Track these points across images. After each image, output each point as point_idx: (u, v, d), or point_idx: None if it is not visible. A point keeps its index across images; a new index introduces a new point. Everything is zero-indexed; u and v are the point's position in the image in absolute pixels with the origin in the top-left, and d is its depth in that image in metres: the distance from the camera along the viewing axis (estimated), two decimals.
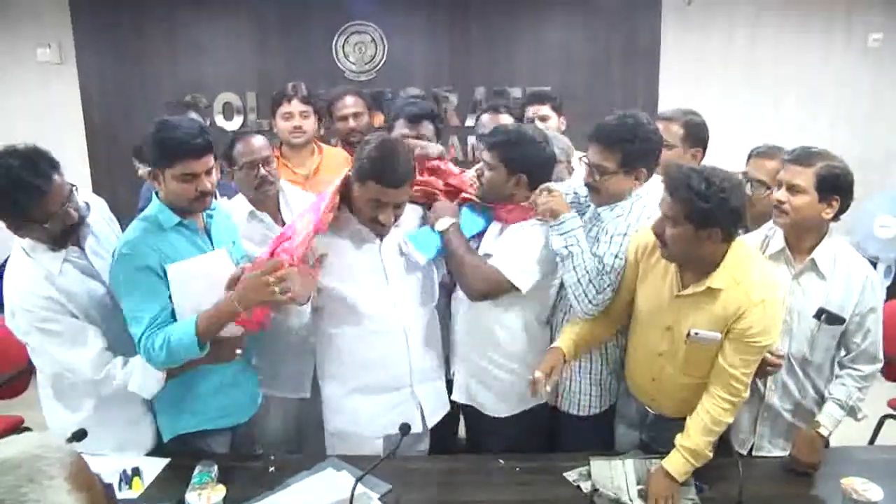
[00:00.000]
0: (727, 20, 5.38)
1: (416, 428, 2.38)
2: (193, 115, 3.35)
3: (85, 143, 5.46)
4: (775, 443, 2.37)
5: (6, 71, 5.45)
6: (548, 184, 2.35)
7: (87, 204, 2.24)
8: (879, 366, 2.30)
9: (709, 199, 1.91)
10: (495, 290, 2.34)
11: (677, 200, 1.97)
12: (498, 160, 2.35)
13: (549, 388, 2.12)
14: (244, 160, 2.56)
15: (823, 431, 2.22)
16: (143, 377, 2.17)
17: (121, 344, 2.22)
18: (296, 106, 3.29)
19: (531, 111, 3.47)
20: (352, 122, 3.46)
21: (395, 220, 2.31)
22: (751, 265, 2.08)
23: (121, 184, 4.72)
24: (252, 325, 2.22)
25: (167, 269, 2.14)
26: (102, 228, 2.33)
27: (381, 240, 2.35)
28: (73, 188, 2.15)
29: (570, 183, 2.58)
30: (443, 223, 2.40)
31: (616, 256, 2.25)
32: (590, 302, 2.24)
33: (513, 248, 2.36)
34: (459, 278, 2.41)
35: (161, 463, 2.26)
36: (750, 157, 2.63)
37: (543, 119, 3.39)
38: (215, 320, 2.10)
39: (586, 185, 2.38)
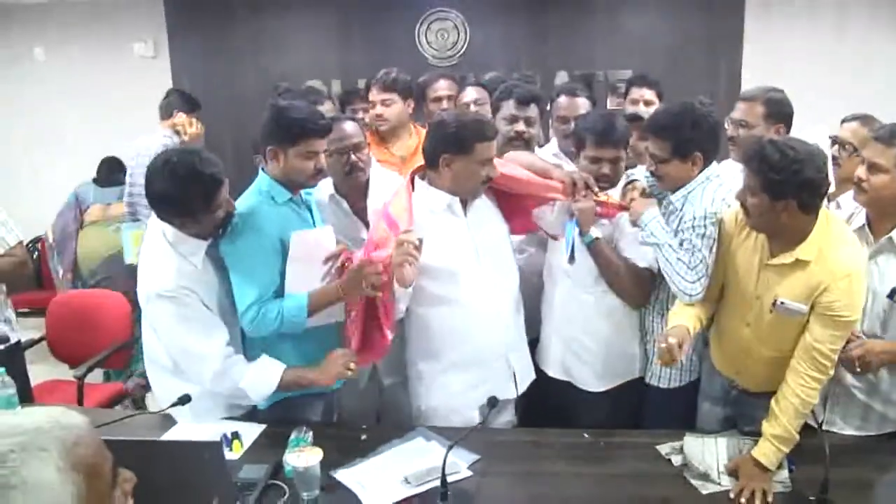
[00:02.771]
0: (811, 8, 5.23)
1: (511, 394, 2.48)
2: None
3: (177, 135, 5.67)
4: (849, 422, 2.32)
5: (105, 64, 5.75)
6: (632, 177, 2.42)
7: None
8: None
9: (781, 170, 1.93)
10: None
11: (753, 171, 2.01)
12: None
13: (682, 358, 2.13)
14: (333, 147, 2.58)
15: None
16: (257, 377, 2.28)
17: (236, 341, 2.35)
18: (376, 95, 3.35)
19: (636, 93, 3.48)
20: (445, 104, 3.52)
21: None
22: (839, 239, 2.06)
23: None
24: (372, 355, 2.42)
25: (291, 235, 2.28)
26: None
27: (467, 214, 2.40)
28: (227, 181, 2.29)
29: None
30: (596, 231, 2.41)
31: (699, 249, 2.25)
32: (685, 293, 2.27)
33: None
34: (619, 288, 2.46)
35: (258, 429, 2.36)
36: (843, 122, 2.64)
37: (648, 104, 3.37)
38: (323, 302, 2.29)
39: (651, 174, 2.44)
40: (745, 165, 2.04)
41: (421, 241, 2.24)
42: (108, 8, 5.62)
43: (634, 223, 2.39)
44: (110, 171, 4.69)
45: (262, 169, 2.37)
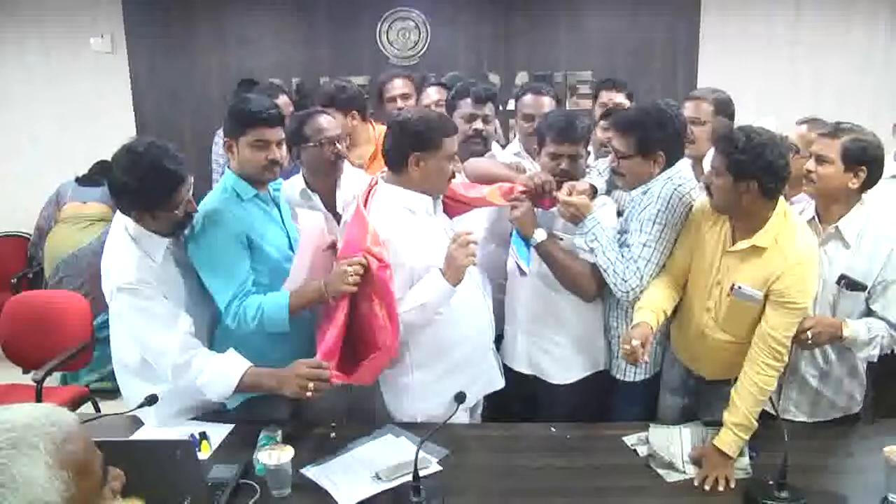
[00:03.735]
0: (767, 6, 5.35)
1: (499, 384, 2.54)
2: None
3: (135, 130, 5.57)
4: (801, 408, 2.42)
5: (61, 60, 5.61)
6: (573, 182, 2.45)
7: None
8: None
9: (745, 151, 2.07)
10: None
11: (720, 152, 2.14)
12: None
13: (646, 358, 2.19)
14: (322, 136, 2.61)
15: (845, 332, 2.20)
16: (215, 377, 2.22)
17: (209, 330, 2.36)
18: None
19: (606, 97, 3.51)
20: (400, 103, 3.54)
21: None
22: (794, 229, 2.17)
23: None
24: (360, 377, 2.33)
25: (297, 212, 2.33)
26: None
27: (436, 212, 2.41)
28: (192, 179, 2.26)
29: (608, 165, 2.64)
30: (539, 234, 2.43)
31: (645, 245, 2.34)
32: (619, 290, 2.37)
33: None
34: (569, 285, 2.48)
35: (226, 429, 2.35)
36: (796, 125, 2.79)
37: (618, 107, 3.41)
38: (305, 301, 2.27)
39: (612, 170, 2.50)
40: (715, 148, 2.17)
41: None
42: (64, 1, 5.50)
43: (572, 221, 2.42)
44: (99, 173, 4.60)
45: (228, 167, 2.37)
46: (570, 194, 2.40)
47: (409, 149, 2.26)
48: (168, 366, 2.22)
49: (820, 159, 2.28)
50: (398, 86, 3.62)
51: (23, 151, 5.72)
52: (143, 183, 2.11)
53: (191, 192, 2.22)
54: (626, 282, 2.35)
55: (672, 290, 2.39)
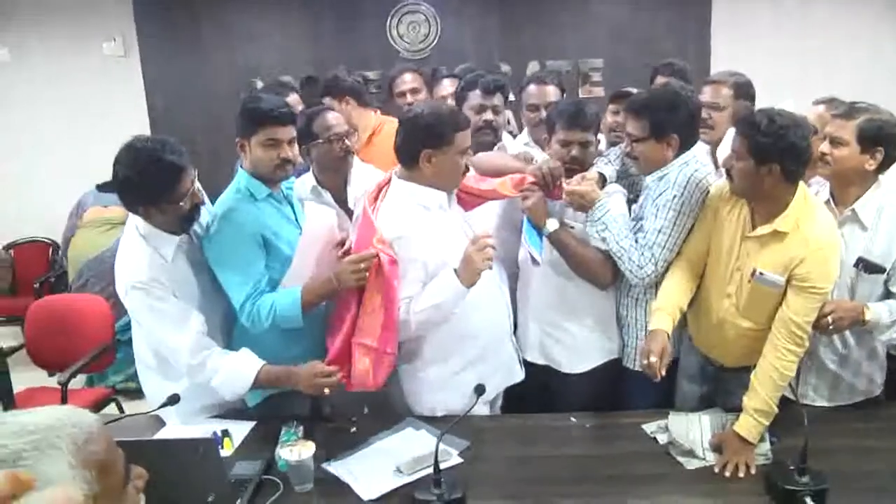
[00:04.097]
0: None
1: (519, 376, 2.55)
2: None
3: (148, 131, 5.63)
4: (821, 393, 2.41)
5: (74, 64, 5.69)
6: (582, 174, 2.44)
7: (200, 189, 2.34)
8: None
9: (768, 134, 2.02)
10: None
11: (741, 135, 2.10)
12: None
13: (664, 372, 2.20)
14: (330, 133, 2.62)
15: (868, 315, 2.19)
16: (230, 377, 2.26)
17: (220, 329, 2.37)
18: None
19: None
20: (409, 98, 3.55)
21: None
22: (814, 213, 2.14)
23: None
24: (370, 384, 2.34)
25: (304, 205, 2.36)
26: (203, 215, 2.43)
27: (451, 206, 2.41)
28: (196, 172, 2.28)
29: (620, 153, 2.64)
30: (552, 224, 2.43)
31: (660, 231, 2.33)
32: (635, 276, 2.37)
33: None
34: (583, 273, 2.49)
35: (248, 426, 2.37)
36: (812, 105, 2.73)
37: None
38: (316, 295, 2.28)
39: (626, 154, 2.48)
40: (737, 131, 2.14)
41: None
42: (76, 6, 5.55)
43: (580, 209, 2.43)
44: None
45: (241, 167, 2.38)
46: (578, 184, 2.40)
47: (421, 145, 2.25)
48: (183, 366, 2.26)
49: (835, 141, 2.24)
50: (407, 80, 3.64)
51: (39, 157, 5.80)
52: (144, 176, 2.13)
53: (195, 184, 2.24)
54: (641, 268, 2.35)
55: (689, 282, 2.37)
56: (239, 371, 2.26)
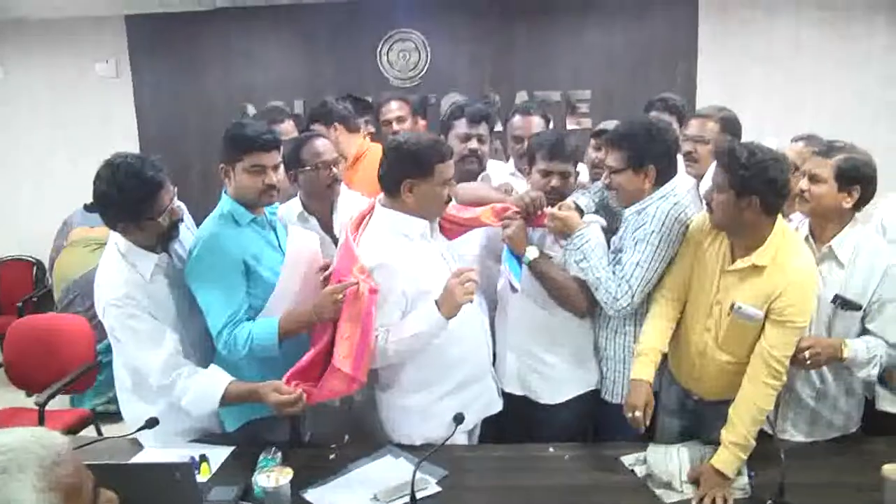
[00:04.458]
0: (766, 21, 5.39)
1: (498, 407, 2.55)
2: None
3: (138, 152, 5.65)
4: (799, 428, 2.41)
5: (67, 83, 5.71)
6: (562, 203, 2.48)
7: (181, 207, 2.36)
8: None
9: (748, 167, 2.06)
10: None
11: (722, 167, 2.13)
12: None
13: (647, 423, 2.25)
14: (318, 160, 2.64)
15: (846, 352, 2.21)
16: (199, 396, 2.26)
17: (197, 349, 2.36)
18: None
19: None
20: (395, 126, 3.57)
21: None
22: (792, 248, 2.18)
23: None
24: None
25: (288, 228, 2.37)
26: (185, 234, 2.45)
27: (433, 236, 2.42)
28: (175, 189, 2.30)
29: (600, 186, 2.66)
30: (531, 252, 2.45)
31: (637, 264, 2.35)
32: (610, 308, 2.39)
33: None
34: (561, 301, 2.50)
35: (227, 451, 2.36)
36: (791, 142, 2.80)
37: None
38: (294, 326, 2.28)
39: (605, 186, 2.51)
40: (718, 163, 2.17)
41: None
42: (69, 27, 5.58)
43: (560, 235, 2.46)
44: None
45: (225, 192, 2.39)
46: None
47: (403, 174, 2.27)
48: (154, 385, 2.26)
49: (813, 178, 2.28)
50: (393, 108, 3.66)
51: (28, 175, 5.80)
52: (123, 191, 2.15)
53: (174, 201, 2.25)
54: (617, 300, 2.36)
55: (670, 321, 2.39)
56: (207, 389, 2.26)
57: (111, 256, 2.31)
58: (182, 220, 2.33)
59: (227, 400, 2.26)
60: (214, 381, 2.27)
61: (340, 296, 2.20)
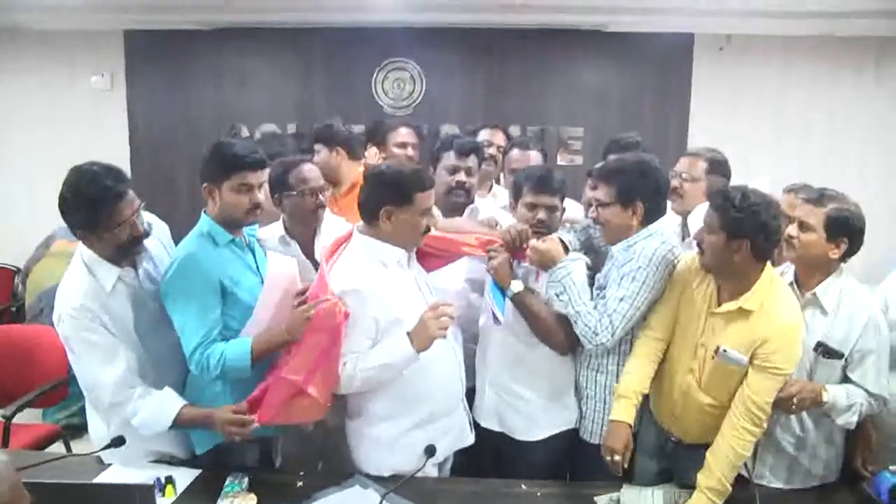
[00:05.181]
0: (758, 65, 5.47)
1: (469, 440, 2.51)
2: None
3: (129, 166, 5.59)
4: (777, 475, 2.39)
5: (61, 97, 5.70)
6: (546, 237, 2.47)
7: (149, 225, 2.33)
8: (880, 403, 2.29)
9: (741, 209, 2.07)
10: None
11: (715, 209, 2.14)
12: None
13: (626, 465, 2.25)
14: (305, 186, 2.64)
15: (825, 396, 2.20)
16: (150, 417, 2.23)
17: (157, 371, 2.32)
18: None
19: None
20: (410, 151, 3.64)
21: None
22: (780, 295, 2.18)
23: (161, 206, 4.87)
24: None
25: (268, 254, 2.37)
26: (160, 253, 2.43)
27: (409, 265, 2.41)
28: (142, 204, 2.27)
29: (585, 224, 2.67)
30: (516, 285, 2.44)
31: (621, 300, 2.33)
32: (590, 342, 2.37)
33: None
34: (543, 337, 2.48)
35: (193, 473, 2.32)
36: (784, 192, 2.78)
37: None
38: (267, 346, 2.25)
39: (593, 220, 2.52)
40: (709, 203, 2.19)
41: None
42: (67, 39, 5.60)
43: (542, 268, 2.45)
44: None
45: (204, 211, 2.37)
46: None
47: (382, 202, 2.27)
48: (105, 401, 2.23)
49: (803, 225, 2.29)
50: (403, 133, 3.73)
51: (20, 185, 5.77)
52: (80, 197, 2.15)
53: (140, 216, 2.23)
54: (596, 335, 2.34)
55: (653, 362, 2.38)
56: (160, 410, 2.23)
57: (75, 266, 2.29)
58: (146, 235, 2.29)
59: (179, 423, 2.24)
60: (167, 403, 2.25)
61: (311, 312, 2.17)
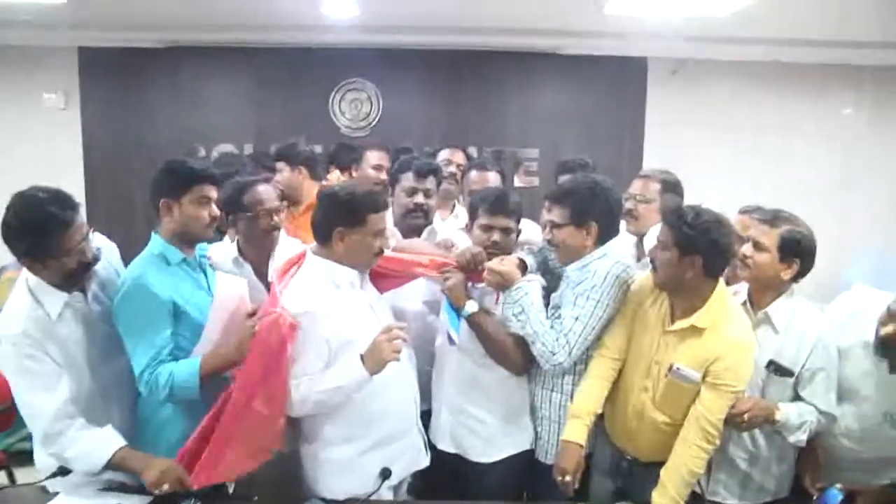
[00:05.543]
0: (709, 89, 5.63)
1: (425, 462, 2.49)
2: None
3: (83, 186, 5.53)
4: (731, 490, 2.43)
5: (12, 115, 5.57)
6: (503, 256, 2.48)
7: (98, 249, 2.28)
8: (830, 420, 2.34)
9: (693, 226, 2.11)
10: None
11: (667, 225, 2.18)
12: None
13: (577, 486, 2.26)
14: (262, 207, 2.62)
15: (778, 416, 2.24)
16: (85, 452, 2.17)
17: (106, 396, 2.28)
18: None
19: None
20: (384, 175, 3.63)
21: None
22: (732, 313, 2.22)
23: (118, 228, 4.77)
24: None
25: (216, 274, 2.35)
26: (109, 275, 2.38)
27: (363, 286, 2.40)
28: (91, 230, 2.22)
29: (541, 246, 2.70)
30: (471, 306, 2.44)
31: (577, 319, 2.35)
32: (547, 362, 2.37)
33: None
34: (499, 358, 2.48)
35: (144, 500, 2.24)
36: (739, 213, 2.78)
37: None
38: (216, 364, 2.22)
39: (548, 242, 2.54)
40: (662, 220, 2.23)
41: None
42: (17, 56, 5.48)
43: (498, 289, 2.46)
44: None
45: (155, 232, 2.34)
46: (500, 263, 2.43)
47: (335, 223, 2.26)
48: (38, 431, 2.17)
49: (757, 245, 2.34)
50: (376, 157, 3.75)
51: None
52: (24, 224, 2.09)
53: (87, 242, 2.18)
54: (554, 354, 2.35)
55: (607, 382, 2.40)
56: (95, 448, 2.17)
57: (18, 292, 2.22)
58: (95, 261, 2.24)
59: (113, 464, 2.17)
60: (105, 441, 2.18)
61: (256, 326, 2.15)
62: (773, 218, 2.38)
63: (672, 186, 3.00)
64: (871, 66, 5.54)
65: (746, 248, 2.36)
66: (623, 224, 2.76)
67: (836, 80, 5.60)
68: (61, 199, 2.13)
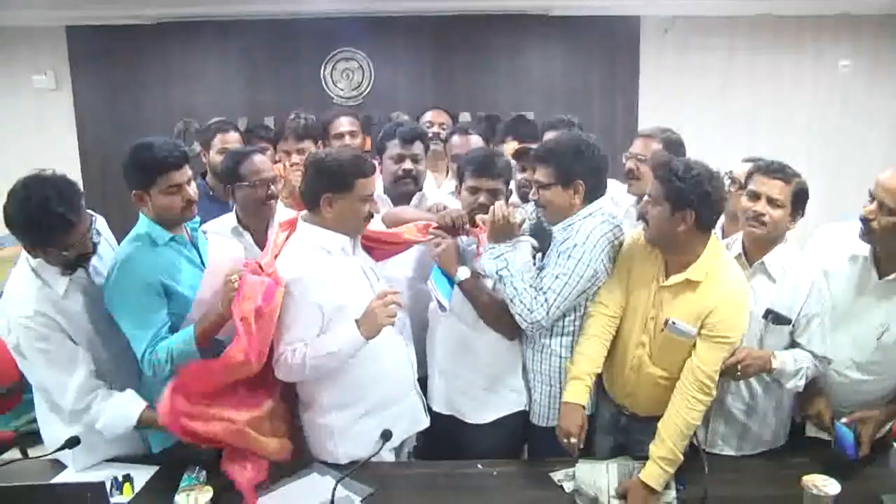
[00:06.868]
0: (702, 47, 5.56)
1: (424, 424, 2.53)
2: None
3: (79, 167, 5.50)
4: (729, 442, 2.47)
5: (3, 97, 5.53)
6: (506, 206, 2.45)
7: (98, 231, 2.27)
8: (825, 365, 2.37)
9: (685, 180, 2.10)
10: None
11: (659, 180, 2.17)
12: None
13: (581, 447, 2.28)
14: (257, 177, 2.63)
15: (774, 363, 2.27)
16: (114, 419, 2.23)
17: (117, 365, 2.30)
18: (291, 144, 3.39)
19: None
20: (347, 140, 3.58)
21: None
22: (725, 265, 2.23)
23: (113, 206, 4.78)
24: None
25: (209, 238, 2.37)
26: (104, 248, 2.38)
27: (355, 251, 2.41)
28: (93, 218, 2.23)
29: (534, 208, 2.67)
30: (463, 272, 2.43)
31: (557, 277, 2.33)
32: (525, 320, 2.35)
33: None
34: (492, 322, 2.49)
35: (151, 470, 2.31)
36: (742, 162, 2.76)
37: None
38: (207, 325, 2.22)
39: (535, 203, 2.50)
40: (655, 176, 2.21)
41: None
42: (4, 38, 5.44)
43: (498, 236, 2.42)
44: None
45: (142, 211, 2.33)
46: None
47: (323, 189, 2.26)
48: (66, 408, 2.20)
49: (772, 202, 2.30)
50: (344, 123, 3.67)
51: None
52: (29, 222, 2.09)
53: (91, 232, 2.18)
54: (531, 312, 2.33)
55: (605, 341, 2.39)
56: (122, 412, 2.23)
57: (22, 271, 2.23)
58: (94, 251, 2.24)
59: (141, 424, 2.24)
60: (130, 405, 2.24)
61: (235, 277, 2.16)
62: (784, 172, 2.32)
63: (674, 146, 2.96)
64: (868, 15, 5.46)
65: (761, 206, 2.31)
66: (618, 185, 2.74)
67: (829, 32, 5.53)
68: (68, 197, 2.11)
